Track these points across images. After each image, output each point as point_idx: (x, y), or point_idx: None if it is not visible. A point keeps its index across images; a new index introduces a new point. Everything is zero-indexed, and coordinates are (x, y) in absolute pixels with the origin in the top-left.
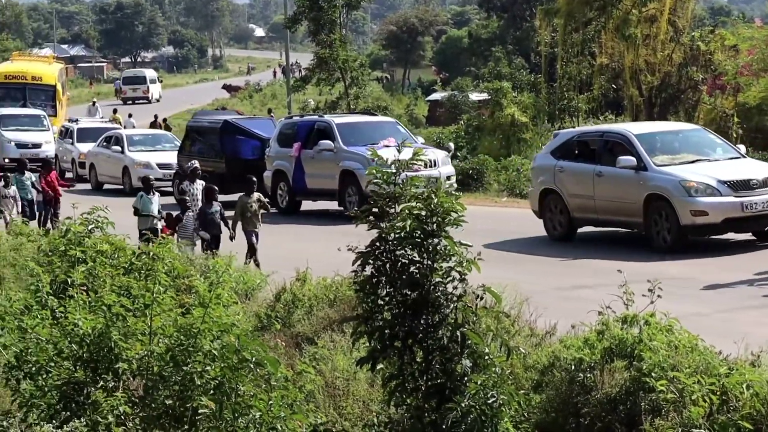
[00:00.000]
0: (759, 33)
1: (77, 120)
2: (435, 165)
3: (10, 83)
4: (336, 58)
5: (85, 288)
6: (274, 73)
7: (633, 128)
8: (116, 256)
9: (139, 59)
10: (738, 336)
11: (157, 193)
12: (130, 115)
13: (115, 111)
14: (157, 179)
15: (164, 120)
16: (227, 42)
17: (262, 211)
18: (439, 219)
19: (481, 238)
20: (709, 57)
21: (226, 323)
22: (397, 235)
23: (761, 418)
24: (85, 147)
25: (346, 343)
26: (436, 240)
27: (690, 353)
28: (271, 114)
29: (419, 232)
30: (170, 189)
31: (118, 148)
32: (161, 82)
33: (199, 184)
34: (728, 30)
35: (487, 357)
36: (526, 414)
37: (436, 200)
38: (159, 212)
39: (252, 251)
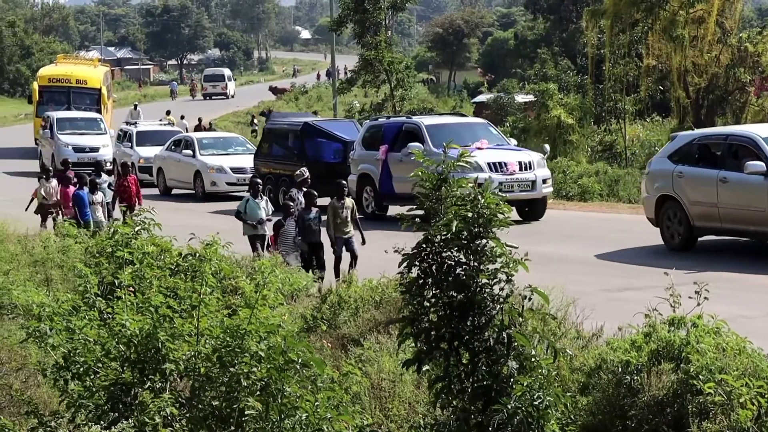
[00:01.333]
0: None
1: (136, 123)
2: (530, 167)
3: (53, 86)
4: (381, 60)
5: (132, 289)
6: (318, 75)
7: (760, 131)
8: (163, 257)
9: (185, 62)
10: None
11: (264, 197)
12: (182, 117)
13: (168, 113)
14: (230, 184)
15: (209, 123)
16: (273, 44)
17: (355, 216)
18: (485, 220)
19: (592, 246)
20: (756, 58)
21: (273, 324)
22: (443, 237)
23: None
24: (144, 151)
25: (391, 345)
26: (482, 241)
27: (738, 356)
28: (317, 116)
29: (465, 234)
30: (245, 195)
31: (189, 152)
32: (235, 80)
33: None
34: None
35: (533, 359)
36: (572, 416)
37: (482, 201)
38: (267, 218)
39: (353, 259)
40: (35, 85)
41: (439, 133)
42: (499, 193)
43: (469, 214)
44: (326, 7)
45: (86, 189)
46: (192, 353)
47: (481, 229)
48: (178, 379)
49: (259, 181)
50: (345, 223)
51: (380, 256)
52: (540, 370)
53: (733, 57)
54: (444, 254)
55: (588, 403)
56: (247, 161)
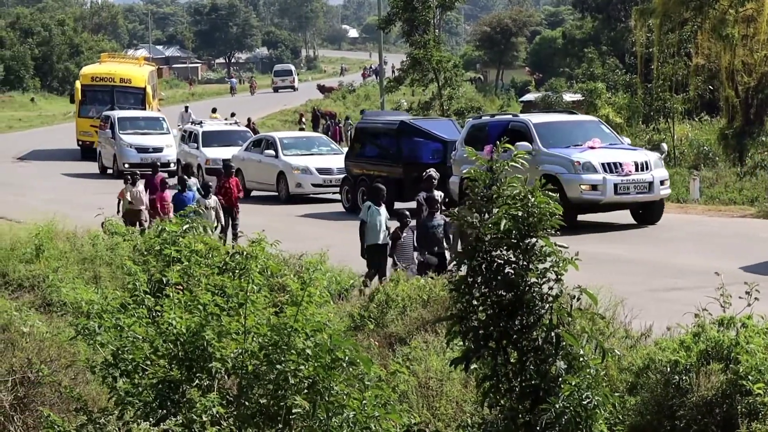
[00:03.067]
0: None
1: (201, 122)
2: (647, 168)
3: (96, 85)
4: (430, 58)
5: (180, 287)
6: (363, 75)
7: None
8: (210, 255)
9: (233, 60)
10: None
11: (383, 204)
12: (233, 114)
13: (214, 110)
14: (316, 185)
15: (252, 123)
16: (321, 43)
17: None
18: (535, 219)
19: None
20: None
21: (319, 322)
22: (492, 236)
23: None
24: (211, 152)
25: (439, 344)
26: (532, 240)
27: None
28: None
29: (515, 233)
30: (332, 197)
31: (271, 152)
32: (298, 75)
33: (437, 195)
34: None
35: (581, 358)
36: (620, 416)
37: (532, 201)
38: (386, 227)
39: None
40: (78, 84)
41: (548, 132)
42: (615, 196)
43: (519, 213)
44: (374, 6)
45: (192, 192)
46: (239, 351)
47: (530, 228)
48: (226, 377)
49: (382, 187)
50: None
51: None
52: (588, 370)
53: None
54: (493, 253)
55: (636, 403)
56: (333, 161)
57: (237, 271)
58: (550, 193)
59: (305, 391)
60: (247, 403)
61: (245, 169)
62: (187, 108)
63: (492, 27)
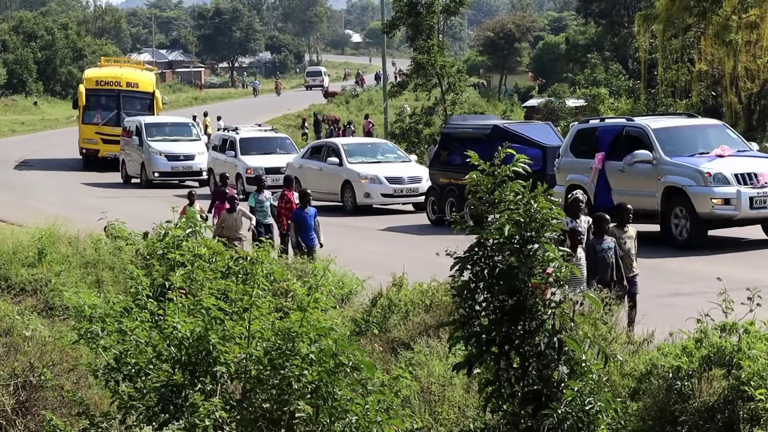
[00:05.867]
0: None
1: (237, 129)
2: None
3: (101, 89)
4: (434, 63)
5: (183, 291)
6: (361, 81)
7: None
8: (214, 259)
9: (236, 64)
10: None
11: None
12: (219, 117)
13: (205, 114)
14: (386, 195)
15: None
16: (324, 47)
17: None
18: (538, 225)
19: None
20: None
21: (324, 327)
22: (495, 241)
23: None
24: (251, 160)
25: (441, 349)
26: (534, 246)
27: None
28: (368, 119)
29: (518, 238)
30: (402, 207)
31: (335, 159)
32: (329, 75)
33: (585, 221)
34: None
35: (584, 364)
36: (622, 421)
37: (535, 206)
38: None
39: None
40: (82, 88)
41: (670, 138)
42: (751, 211)
43: (522, 219)
44: (377, 11)
45: (314, 208)
46: (243, 356)
47: (533, 233)
48: (229, 382)
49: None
50: (628, 258)
51: (431, 259)
52: (590, 375)
53: None
54: (496, 258)
55: (638, 409)
56: (403, 170)
57: (241, 275)
58: (552, 198)
59: (308, 395)
60: (250, 408)
61: (303, 178)
62: (195, 117)
63: (495, 32)
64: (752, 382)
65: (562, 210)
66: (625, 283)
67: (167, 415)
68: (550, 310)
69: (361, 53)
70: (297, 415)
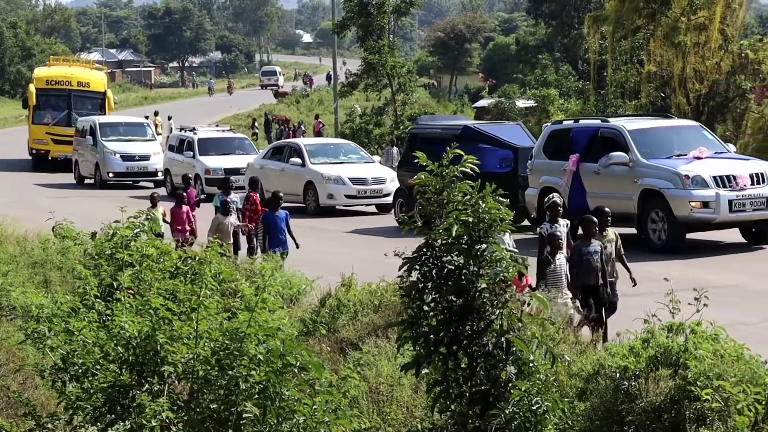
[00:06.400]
0: None
1: (194, 129)
2: (764, 180)
3: (52, 89)
4: (384, 64)
5: (131, 291)
6: (309, 81)
7: None
8: (162, 260)
9: (186, 64)
10: None
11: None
12: (169, 117)
13: (156, 113)
14: (349, 197)
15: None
16: (275, 47)
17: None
18: (486, 225)
19: None
20: (757, 66)
21: (272, 327)
22: (443, 241)
23: None
24: (210, 161)
25: (390, 349)
26: (482, 246)
27: (736, 362)
28: (319, 119)
29: (466, 238)
30: (366, 209)
31: (298, 160)
32: (283, 75)
33: (563, 225)
34: None
35: (531, 364)
36: (569, 422)
37: (483, 206)
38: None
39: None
40: (32, 88)
41: (646, 140)
42: (730, 214)
43: (470, 219)
44: (328, 11)
45: (286, 211)
46: (191, 356)
47: (481, 233)
48: (177, 382)
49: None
50: (610, 263)
51: (379, 260)
52: (538, 375)
53: (734, 64)
54: (444, 258)
55: (585, 409)
56: (367, 170)
57: (189, 275)
58: (500, 198)
59: (256, 396)
60: (197, 408)
61: (264, 178)
62: (147, 117)
63: (446, 33)
64: (698, 382)
65: (510, 210)
66: (609, 290)
67: (114, 416)
68: (498, 311)
69: (312, 53)
70: (244, 415)
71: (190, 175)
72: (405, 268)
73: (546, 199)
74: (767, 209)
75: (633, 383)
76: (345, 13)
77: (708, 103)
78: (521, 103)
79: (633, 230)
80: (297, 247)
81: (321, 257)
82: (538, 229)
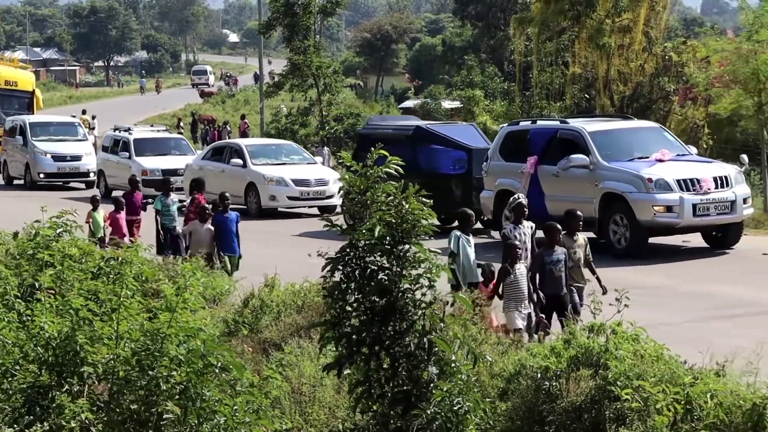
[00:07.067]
0: (729, 45)
1: (129, 129)
2: (727, 184)
3: None
4: (310, 64)
5: (52, 292)
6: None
7: None
8: (84, 260)
9: (112, 63)
10: (704, 345)
11: (528, 223)
12: (93, 117)
13: (84, 112)
14: (292, 198)
15: (92, 117)
16: (201, 47)
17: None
18: (409, 226)
19: None
20: (680, 68)
21: (193, 328)
22: (366, 242)
23: (724, 427)
24: (147, 161)
25: (313, 350)
26: (405, 247)
27: (655, 362)
28: (245, 120)
29: (389, 239)
30: (308, 211)
31: (239, 161)
32: (213, 74)
33: (528, 227)
34: (700, 41)
35: (453, 364)
36: (491, 421)
37: (407, 207)
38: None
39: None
40: None
41: (607, 142)
42: (694, 219)
43: (393, 220)
44: (255, 11)
45: (233, 213)
46: (111, 356)
47: (404, 234)
48: (97, 383)
49: (471, 211)
50: (578, 269)
51: (304, 261)
52: (460, 376)
53: (658, 66)
54: (367, 259)
55: (507, 409)
56: (310, 172)
57: (111, 276)
58: (423, 199)
59: (177, 396)
60: (117, 409)
61: (204, 179)
62: (74, 116)
63: (372, 33)
64: (618, 382)
65: (432, 211)
66: (575, 295)
67: (32, 417)
68: (420, 311)
69: (238, 53)
70: (165, 416)
71: (137, 177)
72: (328, 268)
73: (511, 200)
74: (732, 213)
75: (554, 383)
76: (271, 14)
77: (632, 104)
78: (447, 104)
79: (593, 235)
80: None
81: (268, 261)
82: (503, 230)
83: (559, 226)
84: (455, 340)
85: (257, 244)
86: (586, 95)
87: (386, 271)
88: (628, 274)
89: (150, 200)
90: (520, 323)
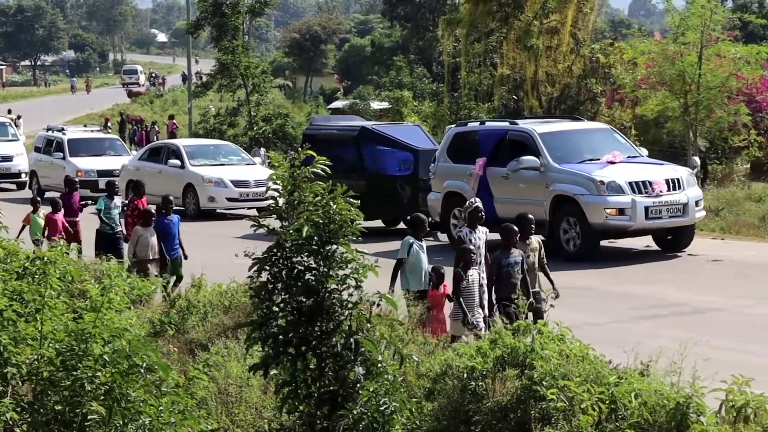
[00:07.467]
0: (655, 47)
1: (63, 129)
2: (679, 186)
3: None
4: (238, 64)
5: None
6: (161, 81)
7: None
8: (9, 260)
9: (39, 62)
10: (629, 346)
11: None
12: (19, 117)
13: (9, 111)
14: (231, 200)
15: (17, 116)
16: (129, 47)
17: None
18: (337, 227)
19: None
20: (608, 69)
21: (118, 328)
22: (294, 242)
23: (648, 426)
24: (82, 162)
25: (239, 350)
26: (332, 247)
27: (581, 362)
28: (173, 120)
29: (316, 239)
30: (248, 212)
31: (176, 162)
32: (144, 74)
33: (482, 232)
34: (628, 43)
35: (380, 364)
36: (417, 422)
37: (334, 207)
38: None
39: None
40: None
41: (557, 144)
42: (646, 222)
43: (321, 220)
44: (183, 11)
45: (175, 216)
46: (35, 357)
47: (331, 234)
48: (21, 383)
49: (424, 216)
50: (532, 273)
51: (230, 261)
52: (386, 376)
53: (585, 68)
54: (294, 259)
55: (433, 409)
56: (249, 173)
57: (36, 276)
58: (351, 200)
59: (102, 397)
60: (42, 410)
61: (142, 180)
62: (19, 116)
63: (301, 34)
64: (544, 382)
65: (360, 212)
66: (532, 299)
67: None
68: (347, 311)
69: (167, 53)
70: (90, 416)
71: (75, 178)
72: (255, 268)
73: (467, 204)
74: (684, 216)
75: (480, 383)
76: (200, 13)
77: (560, 106)
78: (376, 105)
79: (542, 238)
80: (185, 257)
81: (203, 262)
82: (457, 233)
83: (516, 228)
84: (382, 340)
85: (194, 246)
86: (515, 96)
87: (313, 272)
88: (575, 277)
89: (90, 202)
90: (465, 336)
